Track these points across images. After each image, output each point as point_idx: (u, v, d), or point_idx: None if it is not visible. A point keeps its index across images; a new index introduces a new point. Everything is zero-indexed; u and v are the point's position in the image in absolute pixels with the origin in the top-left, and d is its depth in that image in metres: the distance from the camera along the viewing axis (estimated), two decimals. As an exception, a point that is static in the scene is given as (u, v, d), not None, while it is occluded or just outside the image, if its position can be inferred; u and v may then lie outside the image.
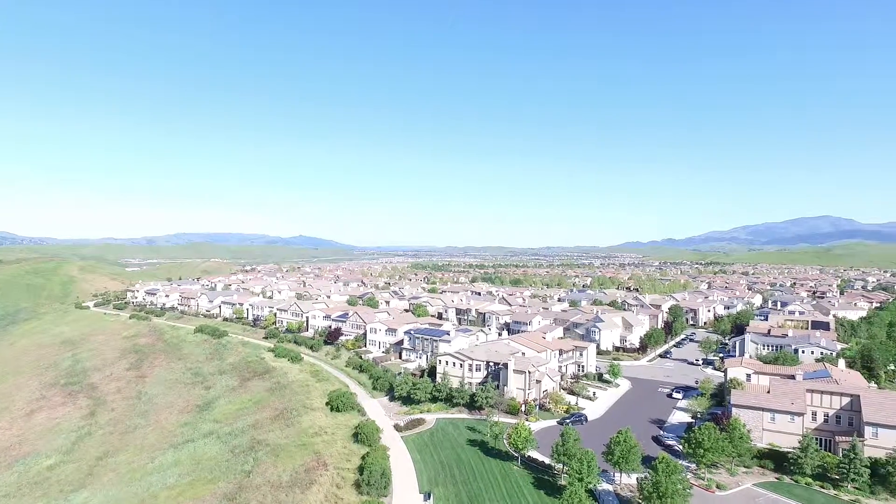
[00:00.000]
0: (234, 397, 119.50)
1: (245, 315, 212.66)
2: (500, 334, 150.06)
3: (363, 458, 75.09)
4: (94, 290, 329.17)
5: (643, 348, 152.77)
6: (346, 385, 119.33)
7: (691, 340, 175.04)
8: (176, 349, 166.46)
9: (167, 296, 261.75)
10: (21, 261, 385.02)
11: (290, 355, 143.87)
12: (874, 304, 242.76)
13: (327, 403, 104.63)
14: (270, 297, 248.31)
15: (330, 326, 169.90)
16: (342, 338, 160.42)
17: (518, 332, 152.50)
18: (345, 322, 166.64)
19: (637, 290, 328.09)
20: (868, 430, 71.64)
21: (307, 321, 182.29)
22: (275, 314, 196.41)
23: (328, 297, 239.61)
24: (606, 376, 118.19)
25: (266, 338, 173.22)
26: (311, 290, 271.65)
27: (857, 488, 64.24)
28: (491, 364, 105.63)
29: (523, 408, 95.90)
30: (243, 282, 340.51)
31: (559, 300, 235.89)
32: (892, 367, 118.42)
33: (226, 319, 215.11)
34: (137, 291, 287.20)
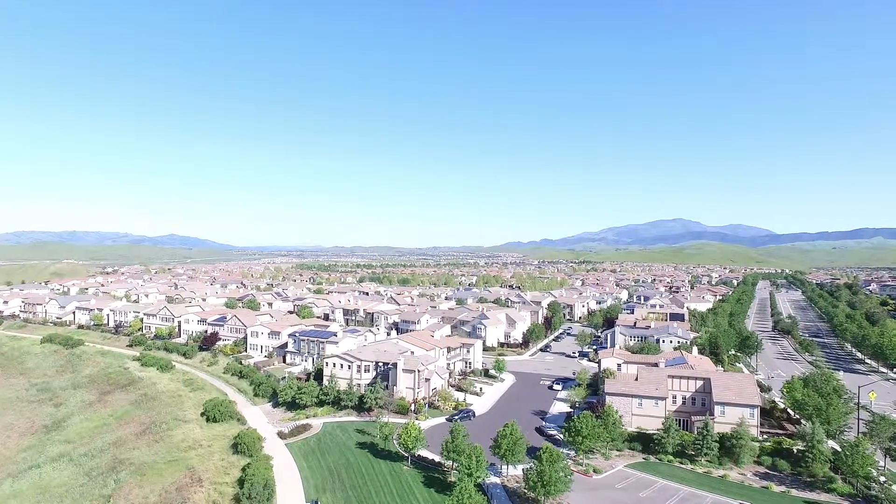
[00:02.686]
0: (91, 413, 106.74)
1: (105, 321, 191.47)
2: (388, 334, 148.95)
3: (243, 469, 70.34)
4: None
5: (525, 343, 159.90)
6: (224, 393, 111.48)
7: (568, 334, 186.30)
8: (17, 363, 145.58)
9: (6, 302, 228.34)
10: None
11: (159, 364, 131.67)
12: (718, 297, 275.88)
13: (202, 414, 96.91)
14: (136, 302, 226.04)
15: (206, 331, 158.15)
16: (220, 343, 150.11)
17: (407, 331, 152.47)
18: (222, 326, 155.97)
19: (519, 287, 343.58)
20: (717, 409, 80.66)
21: (179, 326, 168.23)
22: (141, 319, 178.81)
23: (203, 299, 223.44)
24: (492, 372, 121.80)
25: (130, 345, 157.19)
26: (184, 293, 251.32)
27: (708, 461, 71.95)
28: (380, 364, 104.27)
29: (413, 407, 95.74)
30: (103, 285, 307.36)
31: (447, 298, 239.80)
32: (733, 353, 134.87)
33: (81, 327, 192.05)
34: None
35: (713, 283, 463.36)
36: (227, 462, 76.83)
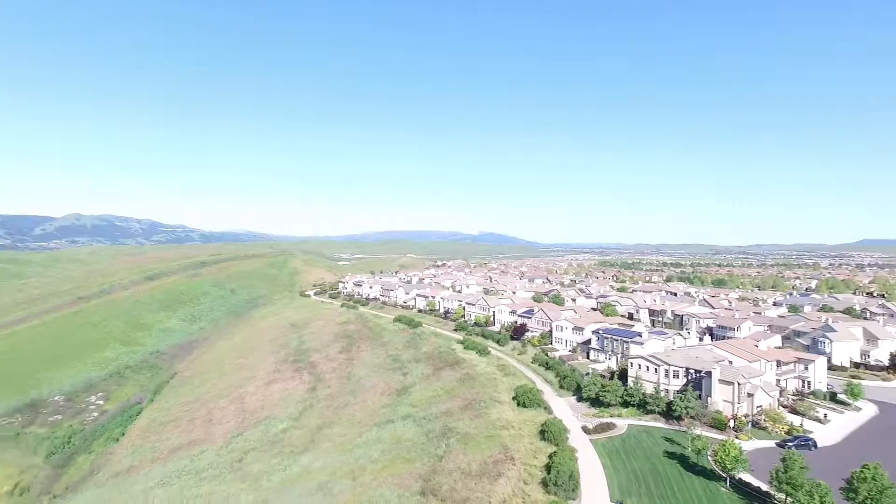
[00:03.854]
0: (428, 385, 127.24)
1: (437, 307, 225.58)
2: (700, 339, 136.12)
3: (550, 456, 73.84)
4: (313, 281, 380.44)
5: (893, 367, 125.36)
6: (531, 381, 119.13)
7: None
8: (378, 336, 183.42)
9: (371, 287, 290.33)
10: (261, 255, 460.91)
11: (478, 348, 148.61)
12: None
13: (514, 398, 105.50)
14: (459, 292, 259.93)
15: (515, 322, 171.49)
16: (528, 334, 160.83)
17: (723, 337, 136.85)
18: (530, 318, 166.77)
19: (883, 296, 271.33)
20: None
21: (494, 315, 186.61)
22: (463, 308, 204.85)
23: (513, 292, 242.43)
24: (842, 397, 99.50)
25: (455, 330, 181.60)
26: (497, 286, 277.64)
27: None
28: (691, 371, 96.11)
29: (732, 423, 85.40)
30: (435, 276, 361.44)
31: (774, 304, 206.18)
32: None
33: (420, 311, 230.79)
34: (347, 283, 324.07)
35: None
36: (535, 447, 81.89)
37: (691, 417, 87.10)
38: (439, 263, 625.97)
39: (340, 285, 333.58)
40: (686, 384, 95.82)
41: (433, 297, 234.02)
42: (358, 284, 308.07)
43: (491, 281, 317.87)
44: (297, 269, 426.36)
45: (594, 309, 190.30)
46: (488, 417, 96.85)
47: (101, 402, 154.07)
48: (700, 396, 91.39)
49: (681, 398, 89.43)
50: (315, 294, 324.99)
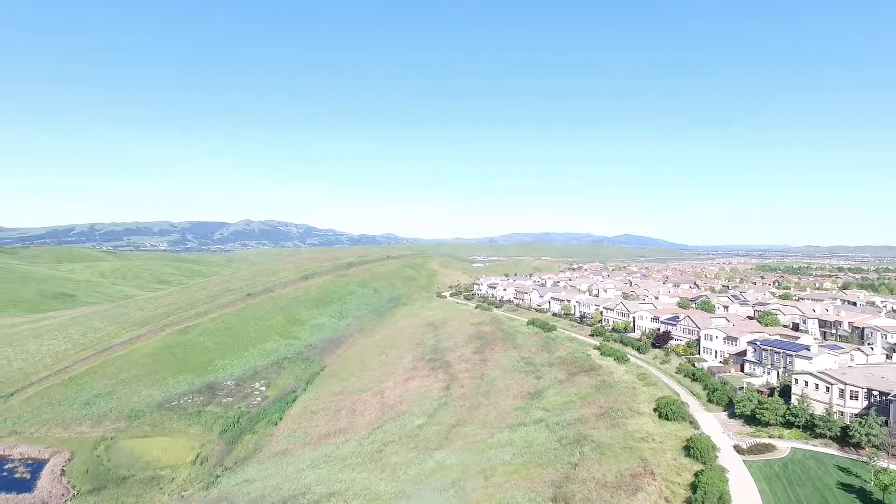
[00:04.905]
0: (562, 390, 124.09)
1: (572, 311, 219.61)
2: (888, 357, 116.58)
3: (696, 475, 67.96)
4: (449, 283, 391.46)
5: None
6: (675, 393, 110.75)
7: None
8: (512, 339, 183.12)
9: (504, 290, 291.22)
10: (401, 257, 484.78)
11: (615, 355, 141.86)
12: None
13: (655, 409, 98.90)
14: (596, 296, 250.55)
15: (658, 329, 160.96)
16: (671, 342, 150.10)
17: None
18: (675, 325, 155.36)
19: None
20: None
21: (633, 321, 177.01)
22: (600, 312, 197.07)
23: (656, 297, 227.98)
24: None
25: (592, 335, 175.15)
26: (638, 290, 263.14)
27: None
28: (874, 393, 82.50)
29: (929, 457, 71.73)
30: (570, 279, 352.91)
31: None
32: None
33: (554, 314, 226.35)
34: (481, 285, 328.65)
35: None
36: (678, 463, 75.91)
37: (874, 447, 74.67)
38: (575, 266, 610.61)
39: (475, 287, 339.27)
40: (867, 408, 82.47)
41: (568, 301, 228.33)
42: (492, 286, 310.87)
43: (631, 285, 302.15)
44: (434, 271, 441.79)
45: (750, 318, 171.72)
46: (626, 427, 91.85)
47: (263, 388, 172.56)
48: (886, 423, 77.96)
49: (861, 423, 77.07)
50: (450, 295, 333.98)
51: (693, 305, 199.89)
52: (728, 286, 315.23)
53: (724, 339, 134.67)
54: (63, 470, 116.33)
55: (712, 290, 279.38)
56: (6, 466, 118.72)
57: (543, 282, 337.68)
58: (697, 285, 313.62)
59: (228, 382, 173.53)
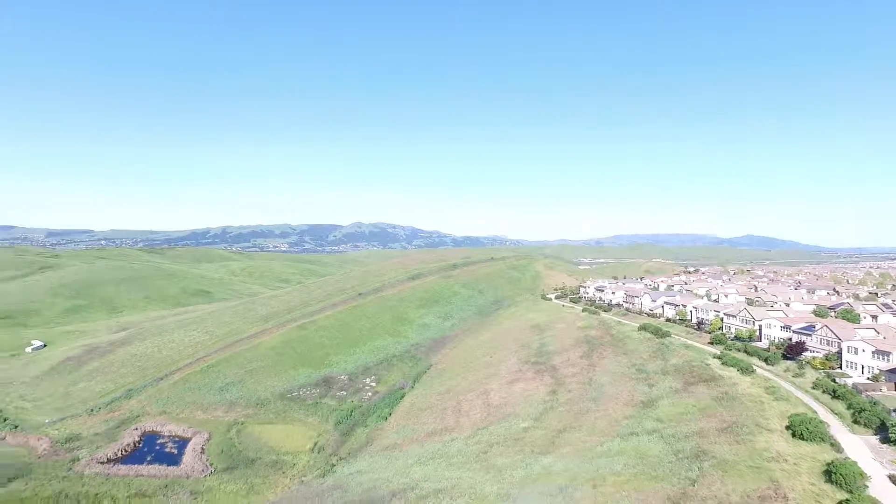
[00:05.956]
0: (677, 400, 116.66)
1: (688, 317, 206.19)
2: None
3: (840, 504, 60.68)
4: (554, 285, 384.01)
5: None
6: (812, 410, 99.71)
7: None
8: (621, 344, 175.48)
9: (613, 293, 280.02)
10: (505, 258, 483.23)
11: (739, 365, 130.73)
12: None
13: (787, 427, 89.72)
14: (716, 301, 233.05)
15: (790, 339, 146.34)
16: (805, 354, 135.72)
17: None
18: (810, 336, 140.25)
19: None
20: None
21: (760, 330, 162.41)
22: (721, 319, 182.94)
23: (786, 304, 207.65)
24: None
25: (711, 343, 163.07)
26: (764, 296, 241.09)
27: None
28: None
29: None
30: (686, 283, 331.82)
31: None
32: None
33: (668, 320, 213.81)
34: (588, 287, 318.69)
35: None
36: (817, 489, 68.24)
37: None
38: (691, 269, 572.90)
39: (581, 290, 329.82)
40: None
41: (684, 306, 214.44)
42: (599, 289, 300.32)
43: (756, 290, 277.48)
44: (538, 273, 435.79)
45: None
46: (752, 445, 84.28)
47: (373, 384, 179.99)
48: None
49: None
50: (555, 298, 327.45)
51: (833, 314, 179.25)
52: (876, 293, 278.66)
53: (872, 352, 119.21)
54: (203, 448, 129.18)
55: (856, 297, 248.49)
56: (158, 441, 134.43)
57: (656, 285, 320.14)
58: (837, 292, 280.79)
59: (342, 377, 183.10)
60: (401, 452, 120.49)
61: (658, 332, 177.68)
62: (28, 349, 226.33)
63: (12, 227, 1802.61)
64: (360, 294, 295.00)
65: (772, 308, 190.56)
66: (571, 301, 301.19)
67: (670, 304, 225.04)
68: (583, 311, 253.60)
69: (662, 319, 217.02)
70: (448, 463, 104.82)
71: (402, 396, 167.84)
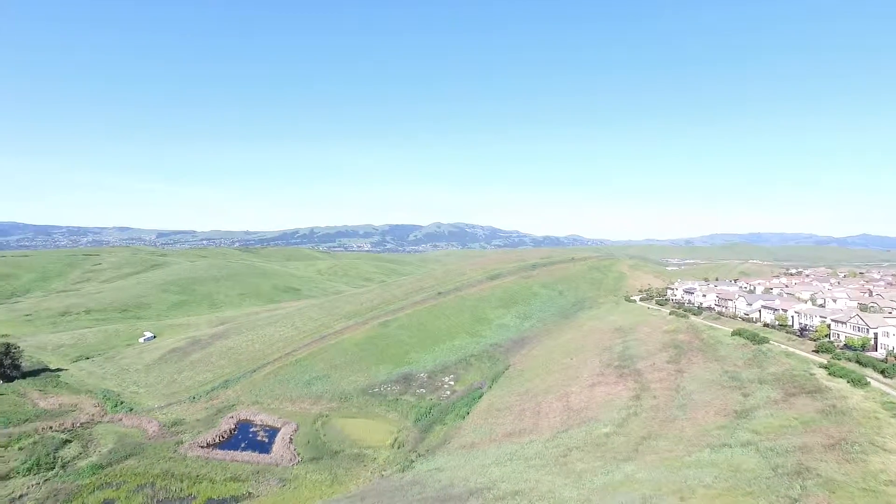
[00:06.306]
0: (776, 411, 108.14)
1: (788, 323, 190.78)
2: None
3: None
4: (638, 286, 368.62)
5: None
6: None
7: None
8: (712, 349, 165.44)
9: (704, 295, 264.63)
10: (586, 258, 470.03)
11: (850, 377, 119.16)
12: None
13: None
14: (821, 306, 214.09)
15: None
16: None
17: None
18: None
19: None
20: None
21: (875, 338, 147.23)
22: (828, 325, 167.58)
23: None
24: None
25: (815, 351, 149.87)
26: (881, 302, 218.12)
27: None
28: None
29: None
30: (786, 286, 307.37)
31: None
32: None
33: (765, 325, 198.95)
34: (676, 289, 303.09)
35: None
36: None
37: None
38: (792, 272, 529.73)
39: (668, 292, 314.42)
40: None
41: (784, 311, 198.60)
42: (689, 292, 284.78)
43: (871, 295, 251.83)
44: (622, 274, 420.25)
45: None
46: (866, 465, 76.48)
47: (452, 382, 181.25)
48: None
49: None
50: (640, 300, 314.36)
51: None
52: None
53: None
54: (291, 438, 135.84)
55: None
56: (251, 429, 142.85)
57: (752, 288, 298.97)
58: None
59: (421, 374, 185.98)
60: (478, 452, 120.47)
61: (754, 338, 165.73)
62: (141, 340, 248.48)
63: (128, 228, 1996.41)
64: (439, 293, 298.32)
65: (890, 315, 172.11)
66: (657, 304, 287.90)
67: (768, 308, 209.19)
68: (670, 314, 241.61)
69: (759, 325, 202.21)
70: (526, 465, 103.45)
71: (480, 396, 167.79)
